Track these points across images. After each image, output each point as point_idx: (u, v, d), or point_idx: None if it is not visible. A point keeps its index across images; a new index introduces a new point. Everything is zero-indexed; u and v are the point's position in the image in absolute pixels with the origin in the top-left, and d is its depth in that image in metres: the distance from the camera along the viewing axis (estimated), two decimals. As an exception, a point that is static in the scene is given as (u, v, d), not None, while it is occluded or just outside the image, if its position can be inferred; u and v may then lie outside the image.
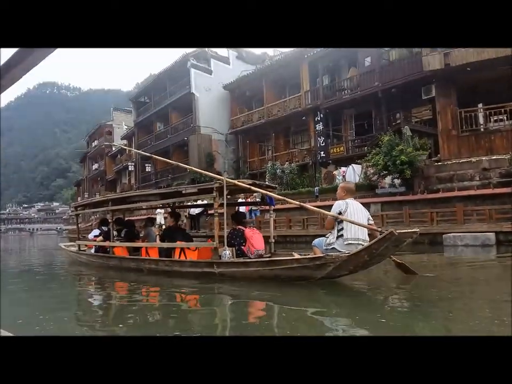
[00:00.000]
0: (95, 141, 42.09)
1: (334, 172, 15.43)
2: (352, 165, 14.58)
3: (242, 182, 6.13)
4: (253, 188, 6.01)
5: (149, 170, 25.20)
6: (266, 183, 11.21)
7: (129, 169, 24.20)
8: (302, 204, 6.25)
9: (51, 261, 11.59)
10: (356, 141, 18.37)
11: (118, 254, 7.61)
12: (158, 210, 12.55)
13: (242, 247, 5.96)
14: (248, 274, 5.30)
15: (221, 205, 5.87)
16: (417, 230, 4.69)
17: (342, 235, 4.71)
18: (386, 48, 17.01)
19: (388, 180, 12.17)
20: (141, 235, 8.52)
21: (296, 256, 5.34)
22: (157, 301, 5.00)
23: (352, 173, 14.18)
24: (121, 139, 36.00)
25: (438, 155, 13.73)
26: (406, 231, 4.66)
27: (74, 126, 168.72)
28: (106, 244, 8.03)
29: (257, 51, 27.48)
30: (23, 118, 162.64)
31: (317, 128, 19.21)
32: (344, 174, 14.55)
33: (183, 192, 6.58)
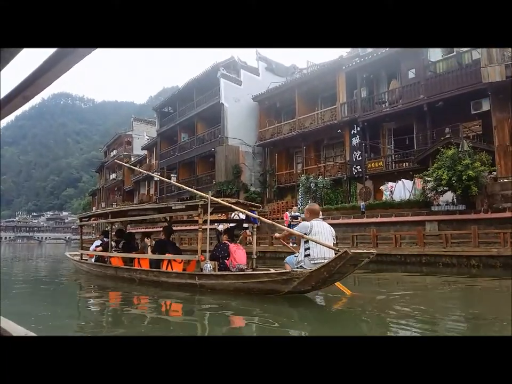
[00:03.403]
0: (114, 151, 41.82)
1: (381, 187, 14.63)
2: (403, 179, 13.79)
3: (227, 201, 6.61)
4: (234, 206, 6.46)
5: (174, 180, 24.55)
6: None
7: (155, 179, 23.62)
8: (272, 222, 6.95)
9: (57, 268, 12.77)
10: (396, 156, 17.60)
11: (114, 264, 8.08)
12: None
13: (226, 261, 6.36)
14: (225, 286, 5.73)
15: (205, 221, 6.35)
16: (374, 251, 5.12)
17: (308, 254, 5.12)
18: (433, 60, 16.43)
19: (446, 196, 11.35)
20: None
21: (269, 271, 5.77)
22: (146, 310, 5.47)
23: (402, 189, 13.38)
24: (142, 149, 35.64)
25: (494, 172, 12.91)
26: (362, 251, 5.01)
27: (87, 137, 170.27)
28: (104, 254, 8.59)
29: (287, 63, 27.11)
30: (37, 127, 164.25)
31: (353, 141, 18.52)
32: (392, 190, 13.74)
33: (173, 208, 7.17)
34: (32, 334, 0.96)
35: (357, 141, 18.24)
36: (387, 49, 17.41)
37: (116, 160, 28.18)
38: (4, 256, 24.74)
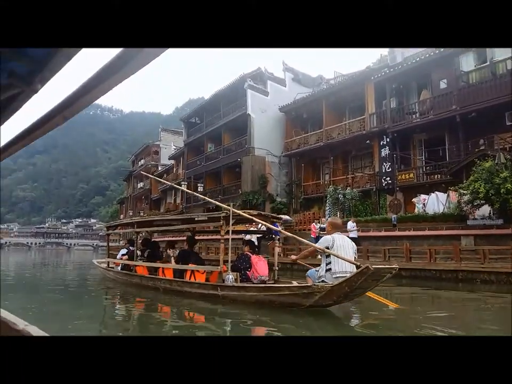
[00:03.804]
0: (141, 160, 42.66)
1: (413, 200, 14.28)
2: (436, 192, 13.42)
3: (248, 213, 6.63)
4: (255, 219, 6.50)
5: (201, 190, 24.79)
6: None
7: (183, 187, 23.82)
8: (292, 235, 7.02)
9: (85, 274, 13.40)
10: (427, 168, 17.18)
11: (140, 272, 8.28)
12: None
13: (247, 272, 6.38)
14: (247, 298, 5.76)
15: (227, 232, 6.43)
16: (397, 266, 5.00)
17: (330, 269, 5.09)
18: (465, 70, 16.05)
19: (483, 210, 10.96)
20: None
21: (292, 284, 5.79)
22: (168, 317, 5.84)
23: (436, 201, 13.02)
24: (169, 159, 36.21)
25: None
26: (383, 266, 5.14)
27: (115, 147, 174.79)
28: (130, 262, 8.76)
29: (314, 73, 27.08)
30: (67, 137, 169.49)
31: (383, 152, 18.23)
32: (424, 202, 13.39)
33: (196, 219, 7.27)
34: (43, 333, 0.96)
35: (387, 152, 17.94)
36: (417, 59, 17.16)
37: (141, 171, 28.72)
38: (35, 262, 25.59)
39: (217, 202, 7.77)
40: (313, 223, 15.71)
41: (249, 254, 6.64)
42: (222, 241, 6.60)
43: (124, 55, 0.65)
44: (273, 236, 13.66)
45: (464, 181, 11.27)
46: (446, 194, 13.03)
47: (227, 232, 6.50)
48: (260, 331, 4.65)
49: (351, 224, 13.42)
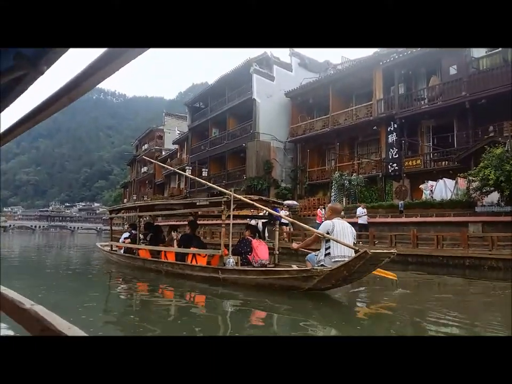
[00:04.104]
0: (145, 145, 42.55)
1: (421, 186, 14.20)
2: (444, 179, 13.33)
3: (249, 198, 6.65)
4: (256, 204, 6.55)
5: (205, 175, 24.74)
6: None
7: (187, 173, 23.84)
8: (293, 220, 7.19)
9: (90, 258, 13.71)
10: (435, 154, 17.05)
11: (142, 255, 8.41)
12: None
13: (248, 256, 6.50)
14: (247, 281, 5.89)
15: (228, 217, 6.55)
16: (395, 250, 5.21)
17: (329, 253, 5.23)
18: (476, 56, 15.79)
19: (491, 197, 10.89)
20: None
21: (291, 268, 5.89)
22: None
23: (443, 188, 12.93)
24: (173, 144, 36.09)
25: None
26: (381, 251, 5.26)
27: (118, 131, 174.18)
28: (133, 246, 8.92)
29: (320, 59, 26.72)
30: (71, 121, 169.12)
31: (390, 139, 18.07)
32: (432, 189, 13.31)
33: (197, 204, 7.43)
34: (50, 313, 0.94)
35: (394, 138, 17.78)
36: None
37: (143, 157, 28.66)
38: (39, 244, 25.77)
39: (219, 187, 7.82)
40: (319, 209, 15.69)
41: (250, 238, 6.75)
42: (223, 225, 6.73)
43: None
44: (286, 222, 13.73)
45: (473, 168, 11.16)
46: (454, 181, 12.93)
47: (228, 217, 6.62)
48: (259, 324, 4.67)
49: (360, 210, 13.36)
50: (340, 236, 5.16)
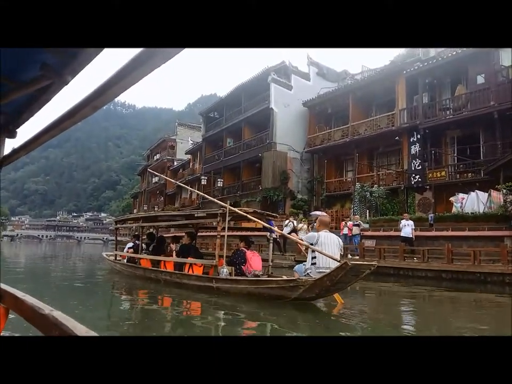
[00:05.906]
0: (157, 155, 42.41)
1: (451, 198, 13.63)
2: (477, 191, 12.76)
3: (244, 211, 6.90)
4: (249, 216, 6.75)
5: (220, 185, 24.35)
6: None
7: (202, 182, 23.53)
8: (282, 232, 8.36)
9: (95, 268, 14.21)
10: (461, 166, 16.50)
11: (143, 265, 8.76)
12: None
13: (242, 267, 6.68)
14: (239, 290, 6.14)
15: (223, 229, 6.81)
16: (375, 263, 5.32)
17: (315, 263, 5.54)
18: (505, 65, 15.35)
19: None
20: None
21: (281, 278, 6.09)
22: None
23: (475, 201, 12.36)
24: (186, 153, 35.87)
25: None
26: (362, 263, 5.60)
27: (127, 141, 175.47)
28: (134, 255, 9.30)
29: (338, 68, 26.47)
30: (80, 131, 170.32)
31: (413, 149, 17.58)
32: (463, 201, 12.75)
33: (195, 215, 7.90)
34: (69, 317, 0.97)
35: (417, 149, 17.30)
36: (453, 53, 16.50)
37: (148, 169, 28.52)
38: (46, 255, 25.38)
39: (215, 200, 8.13)
40: (343, 222, 15.22)
41: (244, 249, 6.97)
42: (219, 237, 6.95)
43: (143, 54, 0.67)
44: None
45: (502, 180, 10.61)
46: (487, 194, 12.37)
47: (223, 229, 6.90)
48: (254, 326, 4.87)
49: (405, 222, 12.32)
50: (324, 247, 5.42)
